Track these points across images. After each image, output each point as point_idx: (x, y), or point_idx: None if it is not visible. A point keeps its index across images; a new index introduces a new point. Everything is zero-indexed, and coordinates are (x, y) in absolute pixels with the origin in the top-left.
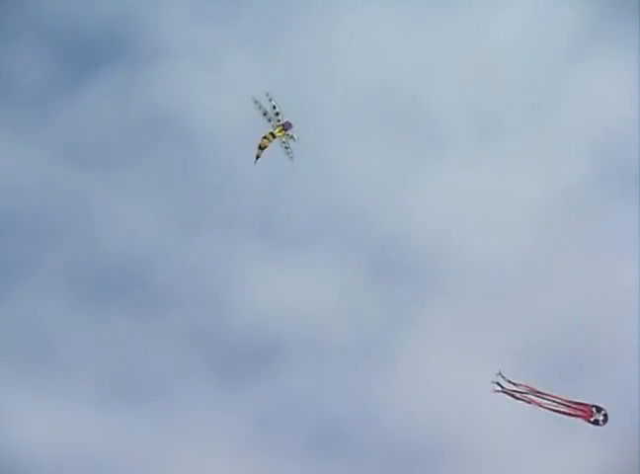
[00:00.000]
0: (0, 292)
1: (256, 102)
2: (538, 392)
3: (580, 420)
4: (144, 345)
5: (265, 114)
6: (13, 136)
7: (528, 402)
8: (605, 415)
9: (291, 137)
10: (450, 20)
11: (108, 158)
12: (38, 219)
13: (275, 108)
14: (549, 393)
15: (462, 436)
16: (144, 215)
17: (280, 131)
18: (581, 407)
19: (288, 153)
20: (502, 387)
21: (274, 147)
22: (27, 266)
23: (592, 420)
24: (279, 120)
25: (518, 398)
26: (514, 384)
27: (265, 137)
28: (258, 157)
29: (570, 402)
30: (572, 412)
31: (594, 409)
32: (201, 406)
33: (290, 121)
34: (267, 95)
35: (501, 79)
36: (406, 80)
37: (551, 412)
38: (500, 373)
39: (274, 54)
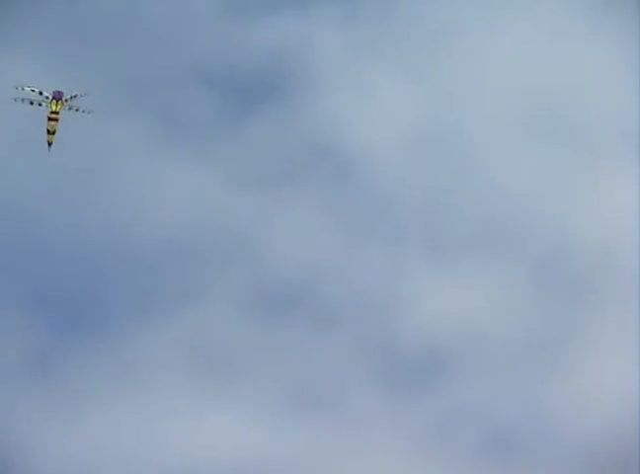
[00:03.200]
0: (188, 313)
1: (16, 100)
2: None
3: None
4: (316, 357)
5: (32, 103)
6: (184, 168)
7: None
8: None
9: (73, 98)
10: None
11: (272, 185)
12: (211, 242)
13: (34, 91)
14: None
15: None
16: (311, 236)
17: (57, 104)
18: None
19: (84, 111)
20: None
21: None
22: (206, 285)
23: None
24: (47, 97)
25: None
26: None
27: (50, 119)
28: (50, 143)
29: None
30: None
31: None
32: (374, 415)
33: (58, 90)
34: (19, 88)
35: None
36: (557, 95)
37: None
38: None
39: (425, 79)
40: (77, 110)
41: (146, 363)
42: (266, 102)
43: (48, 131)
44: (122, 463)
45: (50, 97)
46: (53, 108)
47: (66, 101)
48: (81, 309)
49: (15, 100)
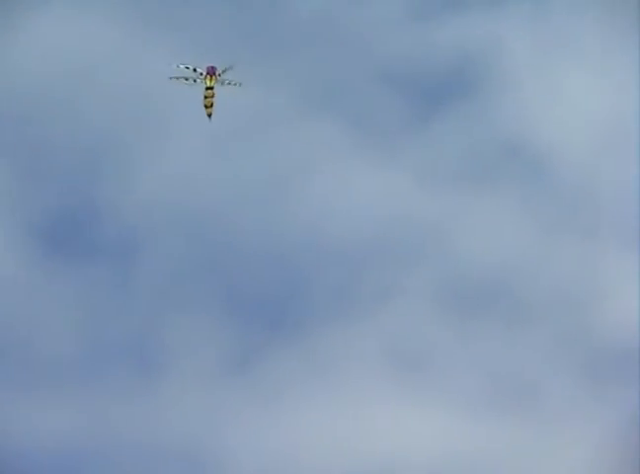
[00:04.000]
0: (374, 311)
1: (171, 78)
2: None
3: None
4: (514, 354)
5: (187, 79)
6: (376, 169)
7: None
8: None
9: (225, 71)
10: None
11: (463, 183)
12: (405, 241)
13: (188, 68)
14: None
15: None
16: (505, 233)
17: (210, 80)
18: None
19: (235, 84)
20: None
21: None
22: (401, 284)
23: None
24: (201, 74)
25: None
26: None
27: (205, 96)
28: (210, 115)
29: None
30: None
31: None
32: (573, 412)
33: (211, 65)
34: (175, 66)
35: None
36: None
37: None
38: None
39: (615, 73)
40: (229, 83)
41: (344, 363)
42: (454, 102)
43: (206, 106)
44: (319, 462)
45: (204, 73)
46: (208, 83)
47: (219, 75)
48: (279, 309)
49: (170, 78)
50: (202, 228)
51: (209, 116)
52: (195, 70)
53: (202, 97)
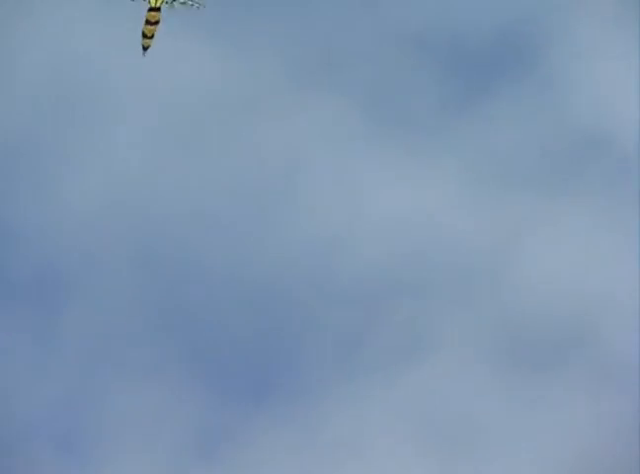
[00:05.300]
0: (409, 369)
1: None
2: None
3: None
4: (600, 425)
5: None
6: (400, 163)
7: None
8: None
9: None
10: None
11: (523, 186)
12: (439, 268)
13: None
14: None
15: None
16: (583, 255)
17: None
18: None
19: (193, 4)
20: None
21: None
22: (434, 330)
23: None
24: None
25: None
26: None
27: (146, 20)
28: (146, 48)
29: None
30: None
31: None
32: None
33: None
34: None
35: None
36: None
37: None
38: None
39: None
40: (185, 2)
41: (355, 440)
42: (507, 78)
43: (144, 35)
44: None
45: None
46: (152, 3)
47: None
48: (264, 372)
49: None
50: (154, 255)
51: (145, 48)
52: None
53: (144, 23)
